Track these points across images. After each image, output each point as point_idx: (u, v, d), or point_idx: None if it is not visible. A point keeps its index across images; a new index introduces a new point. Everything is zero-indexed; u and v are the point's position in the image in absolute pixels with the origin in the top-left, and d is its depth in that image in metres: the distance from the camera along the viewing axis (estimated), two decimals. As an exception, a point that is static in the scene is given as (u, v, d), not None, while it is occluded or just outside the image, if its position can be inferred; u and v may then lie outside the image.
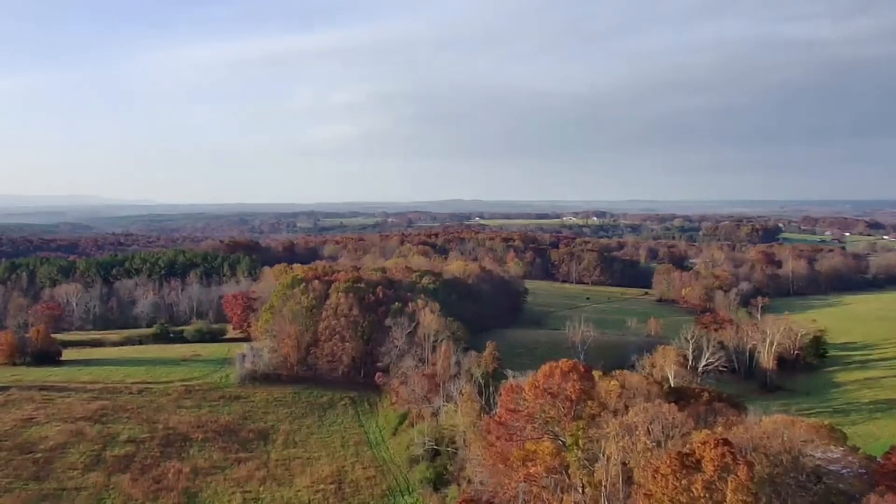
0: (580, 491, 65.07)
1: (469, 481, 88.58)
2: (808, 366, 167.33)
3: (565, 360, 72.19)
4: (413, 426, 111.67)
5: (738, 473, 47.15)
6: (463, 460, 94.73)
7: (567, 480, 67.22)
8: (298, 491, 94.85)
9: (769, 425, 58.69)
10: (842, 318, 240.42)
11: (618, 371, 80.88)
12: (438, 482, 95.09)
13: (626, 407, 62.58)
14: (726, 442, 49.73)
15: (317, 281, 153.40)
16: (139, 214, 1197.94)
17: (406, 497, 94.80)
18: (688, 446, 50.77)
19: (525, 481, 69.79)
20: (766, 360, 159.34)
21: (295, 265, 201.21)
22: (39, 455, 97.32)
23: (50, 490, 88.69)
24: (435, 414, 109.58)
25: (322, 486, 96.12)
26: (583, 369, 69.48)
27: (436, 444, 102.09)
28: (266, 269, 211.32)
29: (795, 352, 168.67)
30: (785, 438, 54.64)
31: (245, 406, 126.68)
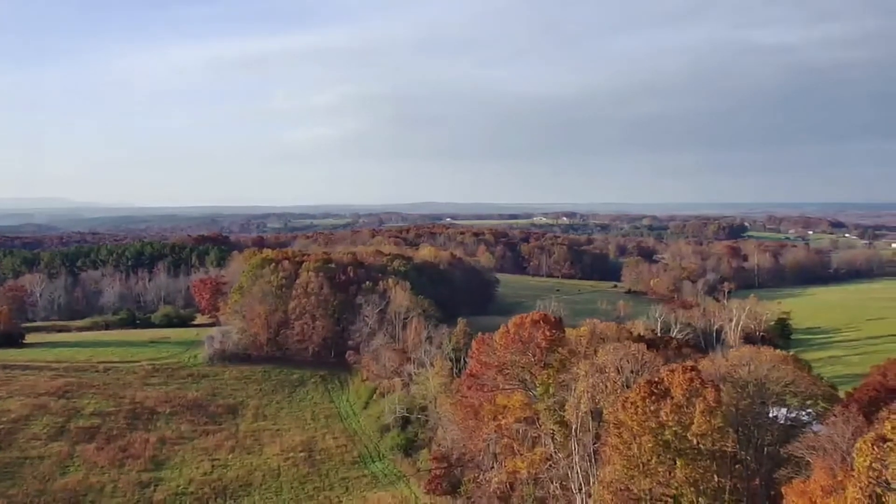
0: (551, 437, 65.45)
1: (439, 445, 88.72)
2: (773, 346, 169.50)
3: (536, 311, 72.71)
4: (384, 397, 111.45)
5: (706, 396, 47.91)
6: (434, 426, 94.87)
7: (538, 429, 67.57)
8: (268, 459, 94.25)
9: (736, 357, 59.81)
10: (806, 307, 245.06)
11: (587, 319, 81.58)
12: (409, 448, 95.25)
13: (596, 351, 63.18)
14: (694, 368, 50.56)
15: (287, 261, 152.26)
16: (108, 216, 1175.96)
17: (377, 463, 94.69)
18: (656, 376, 51.41)
19: (496, 433, 70.01)
20: (733, 339, 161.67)
21: (265, 250, 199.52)
22: (1, 427, 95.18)
23: (12, 458, 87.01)
24: (406, 385, 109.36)
25: (292, 455, 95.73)
26: (553, 319, 70.02)
27: (407, 412, 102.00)
28: (235, 253, 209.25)
29: (761, 333, 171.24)
30: (751, 368, 55.71)
31: (214, 383, 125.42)
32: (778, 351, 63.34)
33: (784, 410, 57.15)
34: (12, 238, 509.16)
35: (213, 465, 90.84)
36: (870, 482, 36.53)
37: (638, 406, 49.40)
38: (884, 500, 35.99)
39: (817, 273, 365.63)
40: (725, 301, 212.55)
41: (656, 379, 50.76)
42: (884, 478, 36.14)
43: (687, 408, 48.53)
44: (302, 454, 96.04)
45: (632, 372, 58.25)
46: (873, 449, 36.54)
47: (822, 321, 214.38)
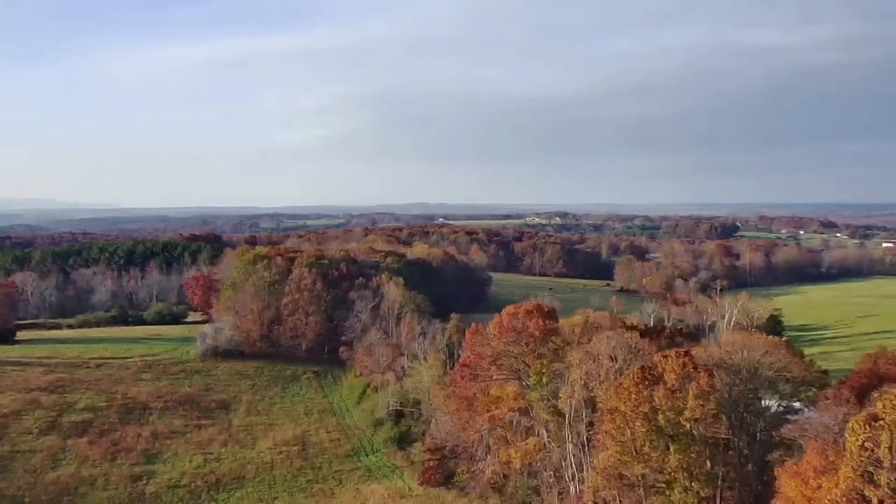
0: (544, 427, 65.54)
1: (433, 437, 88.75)
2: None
3: (529, 301, 72.84)
4: (377, 392, 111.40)
5: (699, 381, 48.09)
6: (428, 419, 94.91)
7: (531, 419, 67.67)
8: (261, 452, 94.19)
9: (729, 343, 60.13)
10: (798, 305, 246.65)
11: (581, 309, 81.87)
12: (403, 441, 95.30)
13: (590, 340, 63.35)
14: (687, 353, 50.77)
15: (280, 258, 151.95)
16: (99, 217, 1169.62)
17: (371, 456, 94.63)
18: (650, 361, 51.58)
19: (489, 423, 70.09)
20: (725, 335, 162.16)
21: (258, 246, 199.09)
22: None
23: (3, 452, 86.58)
24: (400, 379, 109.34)
25: (285, 448, 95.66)
26: (546, 310, 70.16)
27: (400, 406, 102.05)
28: (228, 251, 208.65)
29: (753, 329, 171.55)
30: (744, 354, 55.95)
31: (207, 379, 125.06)
32: (771, 337, 63.73)
33: (776, 398, 57.43)
34: (3, 238, 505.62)
35: (205, 459, 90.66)
36: (862, 461, 36.74)
37: (631, 391, 49.55)
38: (876, 478, 36.19)
39: (809, 272, 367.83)
40: (718, 298, 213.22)
41: (650, 364, 50.93)
42: (876, 456, 36.35)
43: (680, 392, 48.72)
44: (295, 448, 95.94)
45: (625, 360, 58.42)
46: (865, 428, 36.75)
47: (813, 318, 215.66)
